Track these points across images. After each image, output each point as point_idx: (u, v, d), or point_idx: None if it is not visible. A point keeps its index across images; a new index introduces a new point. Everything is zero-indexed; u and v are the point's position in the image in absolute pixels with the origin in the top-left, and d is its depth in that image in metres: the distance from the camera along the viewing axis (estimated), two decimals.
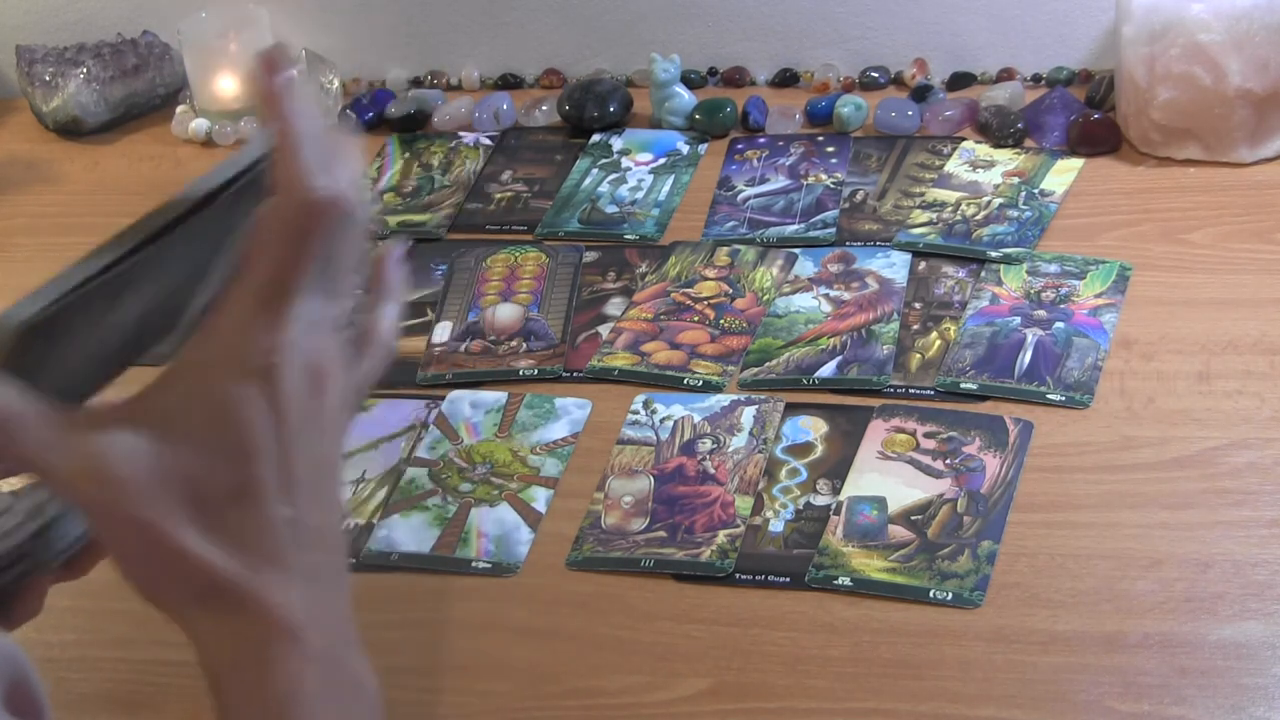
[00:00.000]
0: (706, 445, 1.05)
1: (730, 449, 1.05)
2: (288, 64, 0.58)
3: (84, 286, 0.55)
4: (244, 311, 0.56)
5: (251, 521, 0.56)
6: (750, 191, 1.33)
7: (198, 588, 0.55)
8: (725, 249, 1.26)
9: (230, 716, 0.57)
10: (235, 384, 0.56)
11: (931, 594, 0.91)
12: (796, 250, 1.24)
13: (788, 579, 0.94)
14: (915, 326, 1.14)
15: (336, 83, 1.53)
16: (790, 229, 1.27)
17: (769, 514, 0.99)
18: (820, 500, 1.00)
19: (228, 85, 1.52)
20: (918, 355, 1.11)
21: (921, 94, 1.43)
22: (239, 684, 0.56)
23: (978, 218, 1.24)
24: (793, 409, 1.07)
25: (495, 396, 1.13)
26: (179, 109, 1.56)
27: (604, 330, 1.18)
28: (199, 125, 1.52)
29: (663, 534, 0.99)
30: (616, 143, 1.43)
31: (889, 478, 1.00)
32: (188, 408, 0.56)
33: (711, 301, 1.20)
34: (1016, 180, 1.29)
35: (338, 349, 0.59)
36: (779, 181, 1.34)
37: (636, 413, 1.09)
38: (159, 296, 0.58)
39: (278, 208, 0.57)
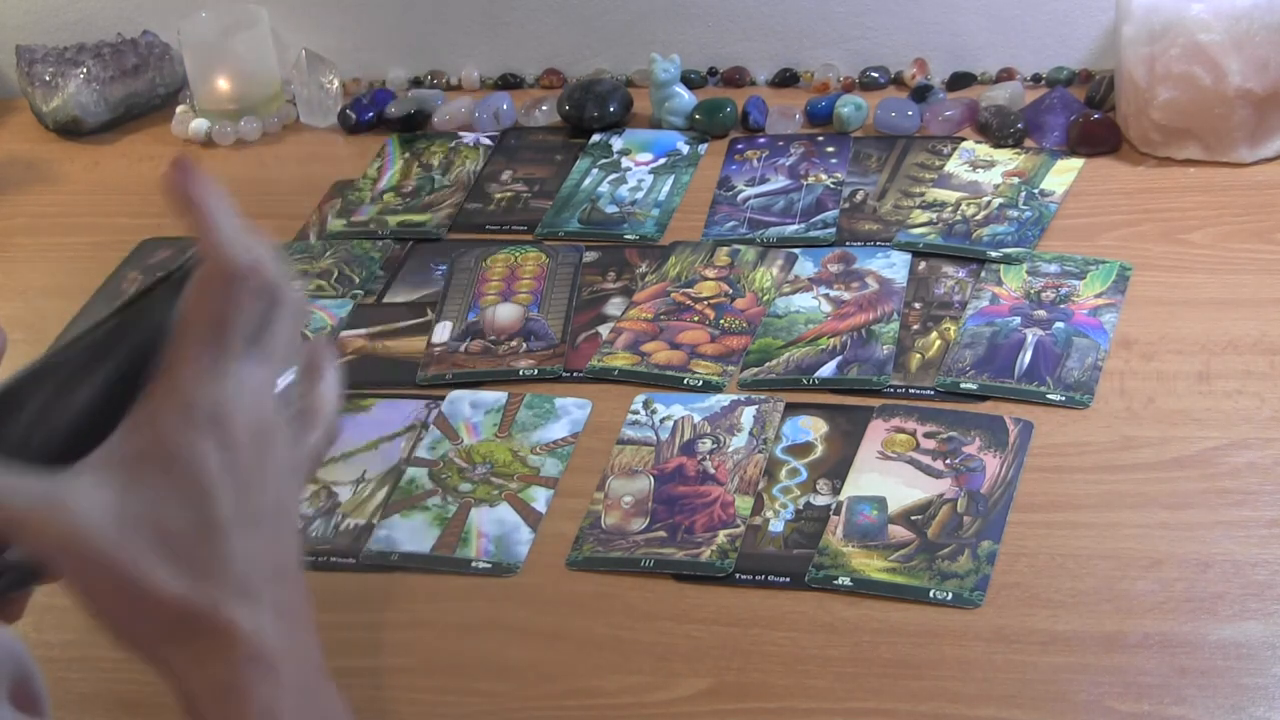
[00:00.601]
0: (706, 445, 1.05)
1: (730, 449, 1.05)
2: (196, 167, 0.62)
3: (38, 366, 0.60)
4: (189, 367, 0.59)
5: (217, 554, 0.58)
6: (750, 191, 1.33)
7: (170, 622, 0.57)
8: (725, 249, 1.26)
9: None
10: (188, 432, 0.58)
11: (931, 594, 0.92)
12: (796, 250, 1.24)
13: (788, 579, 0.94)
14: (915, 326, 1.14)
15: (336, 83, 1.53)
16: (790, 229, 1.27)
17: (769, 514, 0.99)
18: (820, 500, 1.00)
19: (225, 85, 1.52)
20: (918, 355, 1.11)
21: (921, 94, 1.43)
22: (219, 717, 0.58)
23: (978, 218, 1.25)
24: (793, 409, 1.07)
25: (495, 396, 1.13)
26: (179, 109, 1.56)
27: (604, 330, 1.18)
28: (199, 125, 1.52)
29: (663, 534, 0.99)
30: (616, 143, 1.43)
31: (889, 478, 1.00)
32: (145, 456, 0.58)
33: (711, 301, 1.20)
34: (1016, 180, 1.29)
35: (280, 415, 0.62)
36: (779, 181, 1.34)
37: (636, 413, 1.09)
38: (109, 380, 0.61)
39: (206, 274, 0.60)
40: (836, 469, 1.02)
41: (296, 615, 0.61)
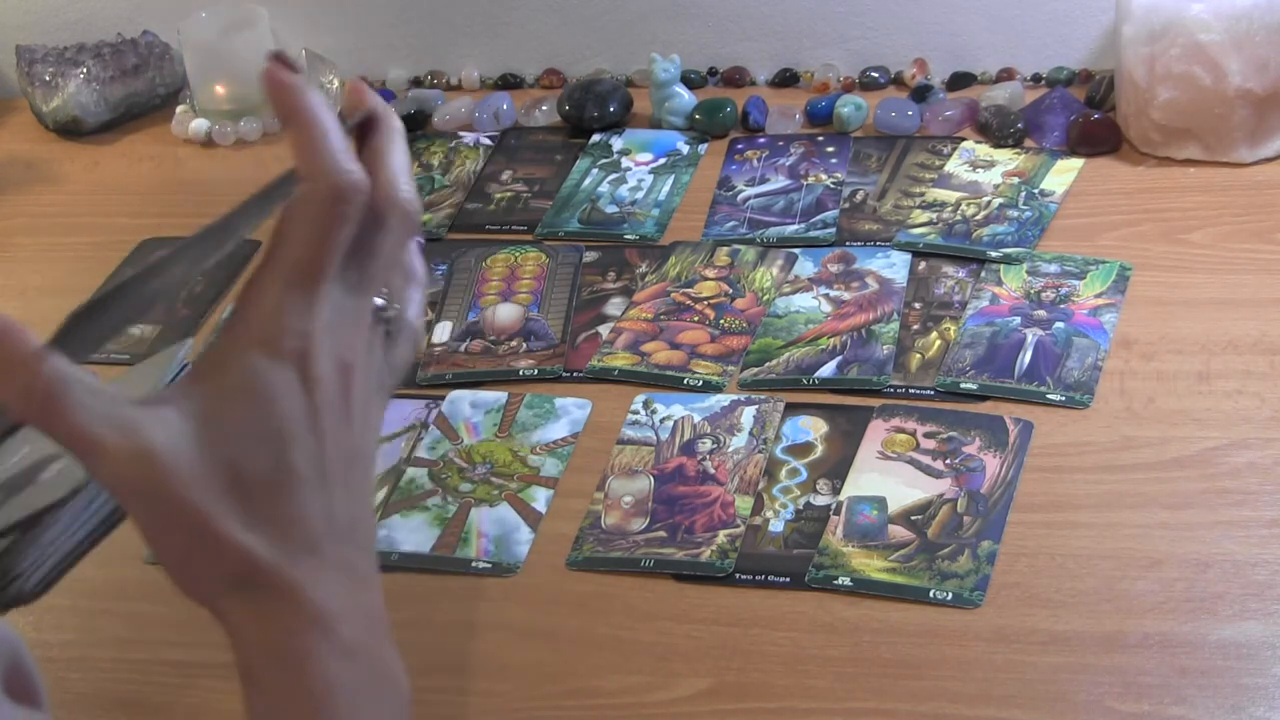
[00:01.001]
0: (706, 445, 1.05)
1: (730, 449, 1.05)
2: (297, 65, 0.58)
3: (127, 279, 0.56)
4: (275, 295, 0.56)
5: (288, 510, 0.56)
6: (750, 191, 1.33)
7: (235, 575, 0.55)
8: (725, 249, 1.26)
9: (264, 709, 0.56)
10: (271, 368, 0.56)
11: (931, 594, 0.91)
12: (796, 250, 1.24)
13: (788, 579, 0.94)
14: (915, 326, 1.14)
15: (336, 83, 1.53)
16: (790, 229, 1.27)
17: (769, 514, 0.99)
18: (820, 500, 1.00)
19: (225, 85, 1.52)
20: (918, 355, 1.11)
21: (921, 94, 1.43)
22: (273, 676, 0.56)
23: (978, 218, 1.24)
24: (793, 409, 1.07)
25: (495, 396, 1.13)
26: (179, 109, 1.56)
27: (604, 330, 1.18)
28: (199, 125, 1.52)
29: (663, 534, 0.99)
30: (616, 143, 1.43)
31: (889, 478, 1.00)
32: (226, 392, 0.56)
33: (711, 301, 1.20)
34: (1016, 180, 1.29)
35: (365, 342, 0.59)
36: (779, 181, 1.34)
37: (636, 413, 1.09)
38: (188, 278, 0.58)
39: (305, 193, 0.56)
40: (836, 469, 1.02)
41: (363, 575, 0.58)
